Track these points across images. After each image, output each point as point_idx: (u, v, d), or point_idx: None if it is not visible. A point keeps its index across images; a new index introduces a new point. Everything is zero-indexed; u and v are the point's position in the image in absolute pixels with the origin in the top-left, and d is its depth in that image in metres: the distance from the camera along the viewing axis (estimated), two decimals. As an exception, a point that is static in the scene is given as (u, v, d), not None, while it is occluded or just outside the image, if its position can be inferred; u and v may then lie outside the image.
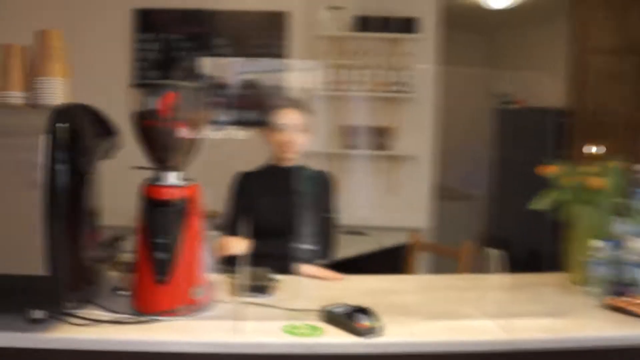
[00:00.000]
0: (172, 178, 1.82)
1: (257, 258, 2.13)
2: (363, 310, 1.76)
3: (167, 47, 4.14)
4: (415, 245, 3.84)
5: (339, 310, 1.79)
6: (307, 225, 2.52)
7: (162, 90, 1.77)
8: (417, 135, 4.41)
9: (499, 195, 5.93)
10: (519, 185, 5.43)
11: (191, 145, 1.82)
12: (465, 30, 5.75)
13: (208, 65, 4.07)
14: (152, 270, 1.78)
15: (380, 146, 4.35)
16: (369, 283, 2.31)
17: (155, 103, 1.76)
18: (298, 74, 4.11)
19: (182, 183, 1.82)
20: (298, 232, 2.52)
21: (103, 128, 1.95)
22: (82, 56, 4.11)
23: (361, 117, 4.33)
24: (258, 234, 2.41)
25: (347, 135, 4.38)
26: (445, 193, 5.13)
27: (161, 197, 1.79)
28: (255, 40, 4.19)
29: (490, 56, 6.59)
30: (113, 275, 2.05)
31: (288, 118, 2.56)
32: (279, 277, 2.19)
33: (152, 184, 1.81)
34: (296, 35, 4.32)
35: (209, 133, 1.81)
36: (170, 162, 1.81)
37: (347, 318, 1.74)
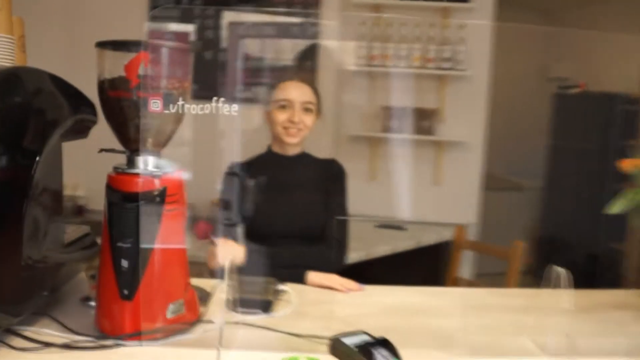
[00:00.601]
0: (144, 164, 1.42)
1: (257, 266, 1.75)
2: (383, 343, 1.34)
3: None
4: (459, 243, 3.43)
5: (352, 341, 1.37)
6: (315, 225, 2.13)
7: (132, 50, 1.36)
8: (468, 118, 3.91)
9: (553, 186, 5.46)
10: (576, 177, 5.11)
11: (171, 122, 1.42)
12: (521, 6, 5.22)
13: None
14: (116, 282, 1.40)
15: (425, 130, 3.87)
16: (397, 296, 1.89)
17: (124, 68, 1.36)
18: (331, 46, 3.64)
19: (156, 171, 1.42)
20: (305, 232, 2.12)
21: (70, 100, 1.57)
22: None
23: (404, 97, 3.87)
24: (258, 237, 2.02)
25: (387, 117, 3.91)
26: (493, 182, 4.66)
27: (128, 188, 1.39)
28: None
29: (549, 36, 6.07)
30: (85, 281, 1.70)
31: (293, 92, 2.14)
32: (284, 287, 1.79)
33: (118, 172, 1.42)
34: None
35: (194, 108, 1.39)
36: (142, 144, 1.41)
37: (362, 353, 1.32)
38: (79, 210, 3.72)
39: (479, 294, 2.03)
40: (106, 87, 1.38)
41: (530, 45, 5.90)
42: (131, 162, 1.43)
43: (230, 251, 1.96)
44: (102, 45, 1.39)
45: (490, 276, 3.98)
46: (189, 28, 3.64)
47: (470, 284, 3.40)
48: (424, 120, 3.84)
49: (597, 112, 4.98)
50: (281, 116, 2.13)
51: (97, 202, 3.74)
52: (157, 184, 1.40)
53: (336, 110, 3.73)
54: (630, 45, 4.71)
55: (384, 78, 3.90)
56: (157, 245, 1.40)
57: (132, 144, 1.41)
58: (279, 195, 2.14)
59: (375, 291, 1.93)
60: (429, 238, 3.63)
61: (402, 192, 3.82)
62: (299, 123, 2.12)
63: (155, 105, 1.34)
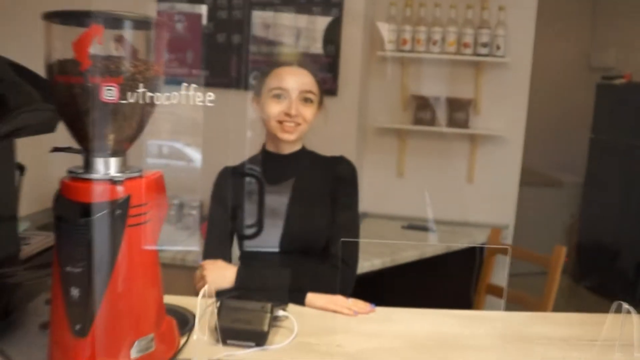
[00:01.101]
0: (101, 167, 1.14)
1: (253, 288, 1.47)
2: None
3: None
4: (494, 246, 3.12)
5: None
6: (318, 238, 1.81)
7: (85, 24, 1.07)
8: (506, 110, 3.55)
9: (595, 183, 5.11)
10: (620, 174, 4.77)
11: (137, 114, 1.13)
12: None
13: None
14: (66, 315, 1.12)
15: (459, 123, 3.53)
16: (420, 324, 1.58)
17: (72, 44, 1.07)
18: (357, 28, 3.30)
19: (118, 175, 1.13)
20: (307, 247, 1.80)
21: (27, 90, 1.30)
22: None
23: (437, 85, 3.53)
24: (252, 253, 1.73)
25: (418, 108, 3.57)
26: (529, 177, 4.31)
27: (80, 198, 1.10)
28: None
29: (593, 22, 5.68)
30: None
31: (290, 80, 1.78)
32: (283, 313, 1.49)
33: (70, 178, 1.13)
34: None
35: (158, 97, 1.10)
36: (98, 142, 1.12)
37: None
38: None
39: (522, 320, 1.70)
40: (54, 70, 1.10)
41: (572, 31, 5.54)
42: (88, 165, 1.14)
43: (220, 274, 1.68)
44: (48, 17, 1.09)
45: (523, 276, 3.67)
46: (201, 9, 3.33)
47: (503, 291, 3.09)
48: (458, 111, 3.49)
49: None
50: (275, 108, 1.77)
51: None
52: (120, 192, 1.12)
53: (362, 100, 3.42)
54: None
55: (415, 65, 3.55)
56: (116, 270, 1.11)
57: (88, 142, 1.13)
58: (274, 204, 1.83)
59: (394, 316, 1.62)
60: (461, 241, 3.31)
61: (433, 189, 3.52)
62: (297, 116, 1.77)
63: (109, 93, 1.05)
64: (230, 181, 1.86)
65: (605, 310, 1.38)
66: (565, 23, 5.41)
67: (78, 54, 1.05)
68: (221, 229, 1.84)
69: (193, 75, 3.26)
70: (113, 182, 1.11)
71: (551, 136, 5.36)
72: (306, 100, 1.79)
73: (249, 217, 1.79)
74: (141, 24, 1.14)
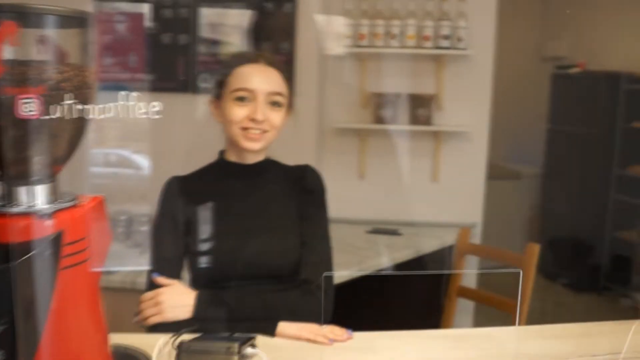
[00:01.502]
0: (24, 198, 0.93)
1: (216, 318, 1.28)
2: None
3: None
4: (462, 247, 2.99)
5: None
6: (287, 260, 1.60)
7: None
8: (469, 104, 3.41)
9: (554, 173, 5.12)
10: (578, 162, 4.74)
11: (65, 130, 0.92)
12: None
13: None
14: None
15: (422, 120, 3.37)
16: (405, 349, 1.40)
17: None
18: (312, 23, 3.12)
19: (45, 208, 0.92)
20: (274, 271, 1.58)
21: None
22: None
23: (398, 81, 3.37)
24: (212, 278, 1.53)
25: (378, 105, 3.41)
26: (491, 171, 4.21)
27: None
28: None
29: (544, 11, 5.64)
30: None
31: (256, 79, 1.56)
32: (253, 350, 1.30)
33: (-14, 211, 0.93)
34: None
35: (92, 110, 0.89)
36: (19, 167, 0.92)
37: None
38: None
39: (515, 336, 1.55)
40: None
41: (523, 21, 5.47)
42: (8, 195, 0.93)
43: (178, 300, 1.47)
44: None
45: (493, 277, 3.55)
46: (143, 8, 3.10)
47: (477, 295, 2.96)
48: (421, 107, 3.34)
49: (600, 93, 4.65)
50: (239, 112, 1.54)
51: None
52: (49, 228, 0.91)
53: (319, 99, 3.23)
54: (633, 21, 4.35)
55: (374, 60, 3.38)
56: (48, 321, 0.91)
57: (6, 167, 0.92)
58: (237, 220, 1.62)
59: (375, 342, 1.44)
60: (430, 244, 3.15)
61: (396, 190, 3.36)
62: (264, 122, 1.55)
63: (27, 107, 0.84)
64: (178, 193, 1.64)
65: (582, 309, 1.24)
66: (518, 12, 5.34)
67: (-13, 58, 0.84)
68: (170, 248, 1.62)
69: (137, 80, 3.03)
70: (40, 215, 0.90)
71: (509, 128, 5.29)
72: (274, 104, 1.57)
73: (204, 232, 1.59)
74: (69, 20, 0.93)
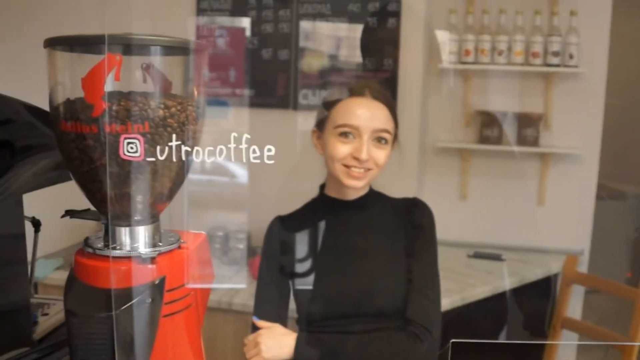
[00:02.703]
0: (126, 239, 0.88)
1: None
2: None
3: None
4: (569, 276, 2.83)
5: None
6: (393, 299, 1.51)
7: (96, 52, 0.81)
8: (579, 125, 3.20)
9: None
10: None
11: (171, 169, 0.87)
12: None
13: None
14: None
15: (528, 139, 3.20)
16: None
17: (81, 80, 0.81)
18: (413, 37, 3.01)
19: (148, 251, 0.87)
20: (379, 310, 1.49)
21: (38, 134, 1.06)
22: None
23: (504, 100, 3.21)
24: (313, 317, 1.47)
25: (483, 124, 3.25)
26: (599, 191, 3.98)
27: (97, 282, 0.85)
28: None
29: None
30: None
31: (361, 116, 1.46)
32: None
33: (85, 253, 0.88)
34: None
35: (198, 153, 0.83)
36: (121, 207, 0.87)
37: None
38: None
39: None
40: (60, 114, 0.84)
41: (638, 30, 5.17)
42: (108, 236, 0.89)
43: (277, 342, 1.41)
44: (51, 44, 0.84)
45: (600, 312, 3.34)
46: (244, 23, 3.07)
47: (584, 328, 2.79)
48: (528, 127, 3.16)
49: None
50: (342, 149, 1.46)
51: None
52: (152, 273, 0.86)
53: (421, 117, 3.12)
54: None
55: (479, 77, 3.24)
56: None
57: (107, 208, 0.87)
58: (340, 257, 1.54)
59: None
60: (535, 272, 2.98)
61: (500, 213, 3.21)
62: (368, 161, 1.46)
63: (131, 148, 0.79)
64: (282, 234, 1.60)
65: None
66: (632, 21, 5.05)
67: (88, 94, 0.79)
68: (273, 290, 1.57)
69: (237, 95, 3.01)
70: (142, 260, 0.85)
71: (616, 145, 5.01)
72: (380, 141, 1.48)
73: (307, 270, 1.53)
74: (174, 49, 0.88)
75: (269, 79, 3.03)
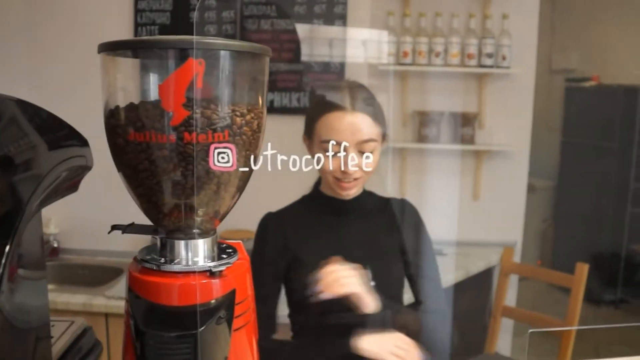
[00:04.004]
0: (186, 253, 0.85)
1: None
2: None
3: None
4: (507, 267, 2.96)
5: None
6: (389, 288, 1.55)
7: (172, 56, 0.78)
8: (511, 123, 3.34)
9: (567, 186, 5.09)
10: (593, 176, 4.70)
11: (238, 177, 0.85)
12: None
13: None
14: None
15: (465, 138, 3.30)
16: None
17: (159, 87, 0.78)
18: (357, 44, 3.04)
19: (214, 264, 0.84)
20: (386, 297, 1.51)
21: (53, 139, 0.99)
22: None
23: (440, 100, 3.30)
24: (311, 313, 1.49)
25: (420, 124, 3.33)
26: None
27: (165, 300, 0.82)
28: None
29: (552, 25, 5.61)
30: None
31: (344, 132, 1.46)
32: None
33: (145, 270, 0.85)
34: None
35: (282, 161, 0.81)
36: (185, 220, 0.84)
37: None
38: (53, 252, 3.10)
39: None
40: (122, 124, 0.80)
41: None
42: (166, 249, 0.85)
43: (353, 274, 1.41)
44: (110, 47, 0.80)
45: (539, 295, 3.50)
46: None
47: (524, 315, 2.91)
48: (464, 126, 3.27)
49: (616, 106, 4.58)
50: (328, 164, 1.42)
51: (73, 239, 3.15)
52: (222, 287, 0.83)
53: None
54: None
55: (417, 78, 3.33)
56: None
57: (168, 220, 0.84)
58: (337, 254, 1.52)
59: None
60: (477, 265, 3.10)
61: (437, 209, 3.29)
62: (356, 172, 1.49)
63: (222, 158, 0.76)
64: (274, 230, 1.59)
65: None
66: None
67: (166, 101, 0.76)
68: (265, 288, 1.56)
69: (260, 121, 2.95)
70: (212, 273, 0.83)
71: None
72: (366, 149, 1.50)
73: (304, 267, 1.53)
74: (249, 55, 0.85)
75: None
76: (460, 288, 2.89)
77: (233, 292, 0.84)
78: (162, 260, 0.85)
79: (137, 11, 2.94)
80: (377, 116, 1.54)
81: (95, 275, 2.95)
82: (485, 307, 3.08)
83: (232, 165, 0.76)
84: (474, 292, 3.10)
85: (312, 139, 1.53)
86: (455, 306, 2.91)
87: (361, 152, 1.48)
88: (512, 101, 3.30)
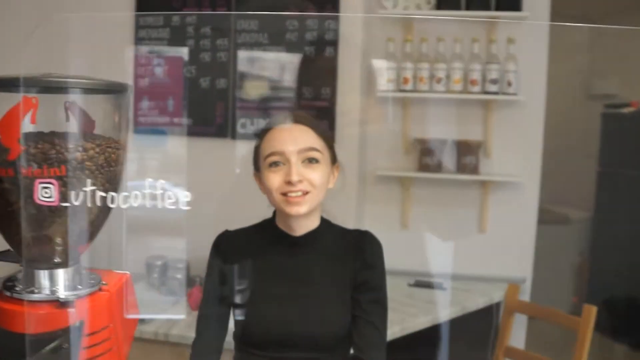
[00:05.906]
0: (45, 282, 0.83)
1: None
2: None
3: None
4: (511, 305, 2.81)
5: None
6: (329, 325, 1.50)
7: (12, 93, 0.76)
8: (519, 152, 3.22)
9: (604, 217, 4.83)
10: (631, 206, 4.52)
11: (90, 213, 0.82)
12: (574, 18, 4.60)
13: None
14: None
15: (468, 167, 3.21)
16: None
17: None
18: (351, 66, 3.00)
19: (66, 295, 0.81)
20: (315, 337, 1.48)
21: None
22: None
23: (443, 127, 3.22)
24: (250, 341, 1.47)
25: (423, 152, 3.25)
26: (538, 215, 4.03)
27: (13, 327, 0.79)
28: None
29: (592, 48, 5.47)
30: None
31: (284, 141, 1.47)
32: None
33: (4, 297, 0.83)
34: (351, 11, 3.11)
35: (112, 198, 0.78)
36: (39, 250, 0.82)
37: None
38: None
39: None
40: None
41: (572, 58, 5.31)
42: (28, 279, 0.83)
43: None
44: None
45: (544, 339, 3.34)
46: (183, 51, 3.04)
47: (526, 357, 2.77)
48: (468, 155, 3.17)
49: None
50: (275, 178, 1.45)
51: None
52: (70, 317, 0.80)
53: (360, 145, 3.10)
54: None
55: (418, 105, 3.25)
56: None
57: (25, 250, 0.82)
58: (280, 286, 1.51)
59: None
60: (476, 301, 2.98)
61: (441, 242, 3.20)
62: (301, 182, 1.44)
63: (45, 193, 0.74)
64: (227, 249, 1.57)
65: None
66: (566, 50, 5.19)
67: (4, 137, 0.75)
68: (215, 303, 1.55)
69: (174, 124, 2.97)
70: (61, 304, 0.80)
71: (558, 170, 5.12)
72: (310, 161, 1.47)
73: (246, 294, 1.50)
74: (95, 90, 0.83)
75: (207, 108, 3.00)
76: (456, 324, 2.78)
77: (81, 324, 0.80)
78: (18, 288, 0.83)
79: (137, 40, 2.99)
80: (320, 132, 1.52)
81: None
82: (487, 346, 2.95)
83: (54, 201, 0.74)
84: (473, 329, 2.97)
85: (260, 165, 1.50)
86: (451, 343, 2.82)
87: (307, 162, 1.47)
88: (520, 129, 3.19)
